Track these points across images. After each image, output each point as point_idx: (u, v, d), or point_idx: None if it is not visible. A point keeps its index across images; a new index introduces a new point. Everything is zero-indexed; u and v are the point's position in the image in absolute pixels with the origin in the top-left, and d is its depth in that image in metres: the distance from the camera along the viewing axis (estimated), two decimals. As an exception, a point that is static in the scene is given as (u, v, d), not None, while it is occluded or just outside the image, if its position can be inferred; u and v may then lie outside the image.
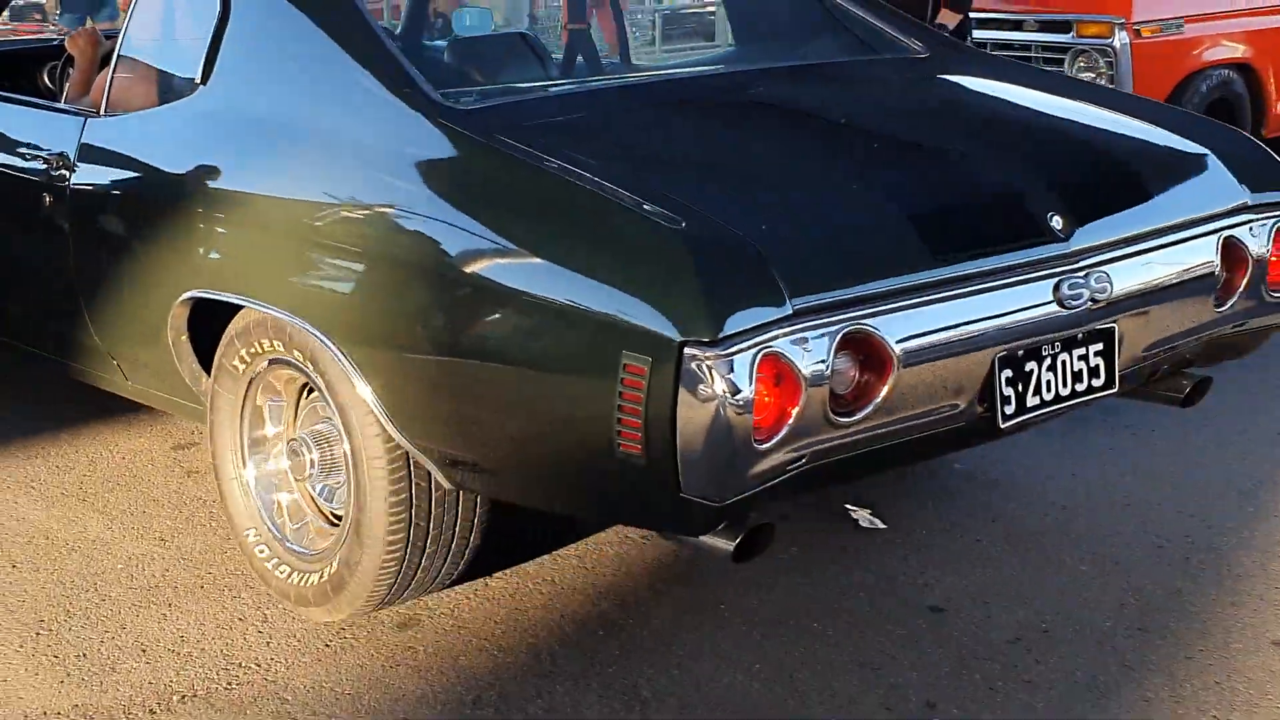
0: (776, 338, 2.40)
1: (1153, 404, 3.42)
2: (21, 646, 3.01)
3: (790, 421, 2.43)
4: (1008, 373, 2.78)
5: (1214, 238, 3.10)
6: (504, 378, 2.62)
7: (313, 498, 3.16)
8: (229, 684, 2.86)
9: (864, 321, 2.53)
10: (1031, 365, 2.82)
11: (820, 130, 3.28)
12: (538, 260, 2.58)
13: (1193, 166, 3.30)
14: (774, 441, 2.43)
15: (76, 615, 3.14)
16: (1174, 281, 3.04)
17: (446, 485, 2.86)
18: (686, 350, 2.34)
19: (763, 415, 2.40)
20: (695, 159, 3.01)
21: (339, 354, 2.81)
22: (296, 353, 2.95)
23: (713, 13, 6.09)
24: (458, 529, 2.99)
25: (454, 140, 2.85)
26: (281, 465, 3.17)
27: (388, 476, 2.85)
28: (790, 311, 2.42)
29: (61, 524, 3.62)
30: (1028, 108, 3.68)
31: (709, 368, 2.34)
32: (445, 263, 2.69)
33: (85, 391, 3.90)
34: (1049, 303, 2.79)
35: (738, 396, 2.35)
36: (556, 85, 3.90)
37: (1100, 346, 2.93)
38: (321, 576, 3.05)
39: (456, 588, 3.19)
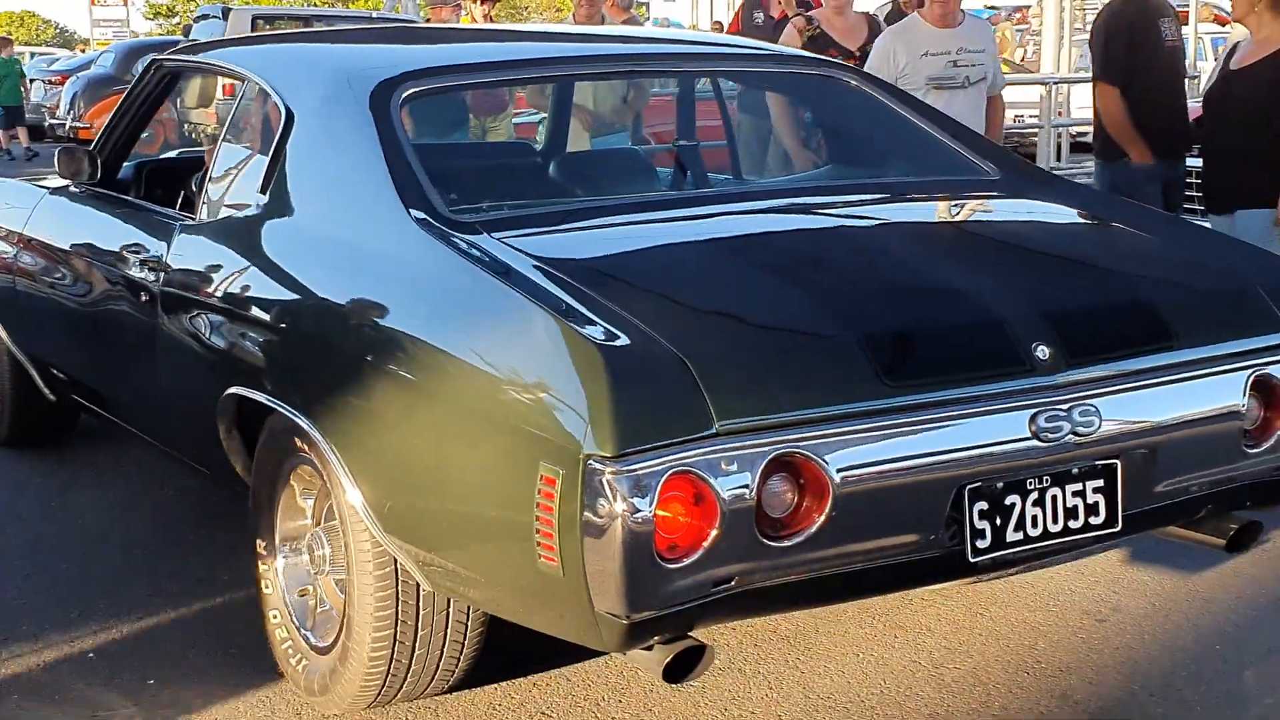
0: (692, 456, 2.41)
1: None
2: None
3: (707, 542, 2.44)
4: (981, 505, 2.70)
5: (1242, 374, 2.97)
6: (456, 484, 2.74)
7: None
8: None
9: (799, 446, 2.51)
10: (1013, 499, 2.73)
11: (820, 255, 3.27)
12: (482, 368, 2.72)
13: (1228, 300, 3.18)
14: (689, 561, 2.44)
15: None
16: (1188, 419, 2.93)
17: (426, 587, 2.91)
18: (590, 463, 2.38)
19: (676, 534, 2.42)
20: (674, 276, 3.06)
21: (334, 455, 2.96)
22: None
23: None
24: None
25: (432, 251, 3.02)
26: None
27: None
28: (714, 431, 2.45)
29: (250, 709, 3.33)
30: (1064, 235, 3.69)
31: (608, 483, 2.37)
32: (406, 367, 2.87)
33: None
34: (1024, 436, 2.72)
35: (637, 514, 2.37)
36: (584, 201, 3.92)
37: (1100, 483, 2.82)
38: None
39: None
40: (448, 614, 3.02)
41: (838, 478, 2.53)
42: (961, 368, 2.75)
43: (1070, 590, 3.90)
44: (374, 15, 21.16)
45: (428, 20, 10.71)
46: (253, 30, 14.09)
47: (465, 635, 3.07)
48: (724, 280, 3.03)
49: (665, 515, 2.40)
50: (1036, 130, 11.68)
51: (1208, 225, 5.51)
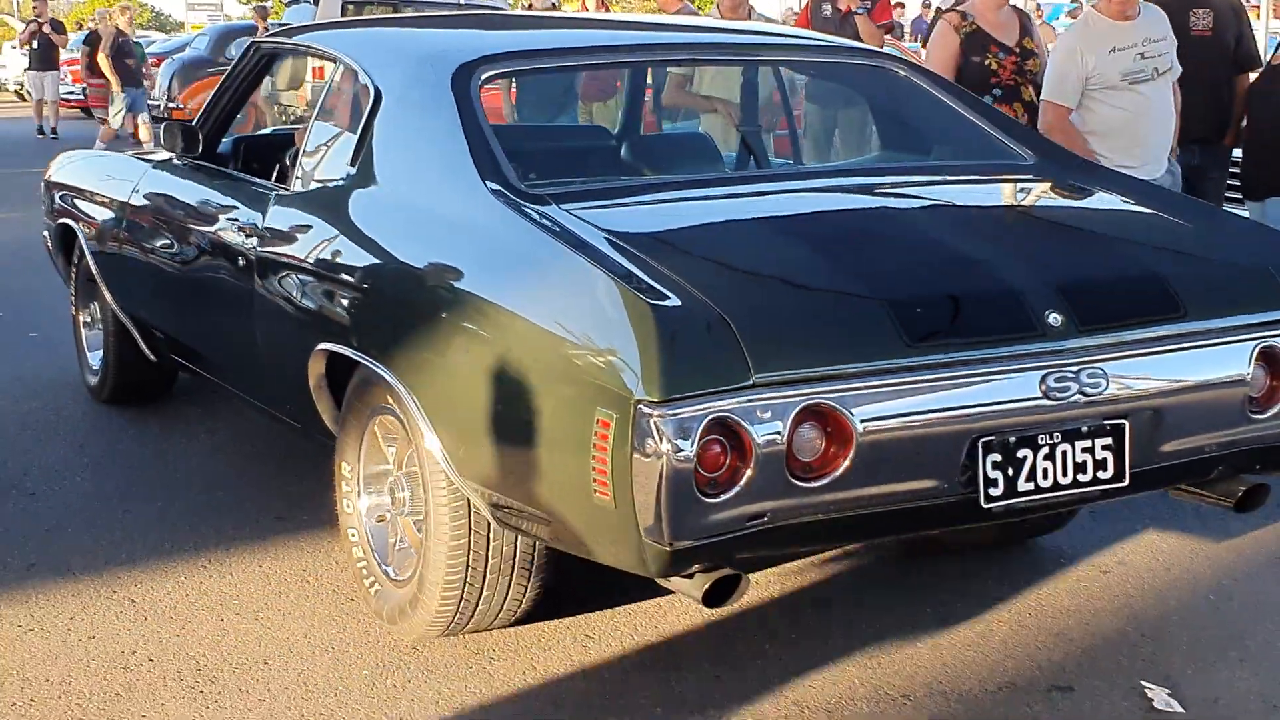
0: (731, 404, 2.71)
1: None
2: None
3: (743, 481, 2.74)
4: (995, 457, 2.97)
5: (1248, 346, 3.21)
6: (523, 430, 3.01)
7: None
8: None
9: (827, 397, 2.80)
10: (1025, 452, 3.00)
11: (855, 229, 3.59)
12: (546, 325, 3.02)
13: (1238, 277, 3.42)
14: (726, 498, 2.74)
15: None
16: (1193, 385, 3.18)
17: (496, 525, 3.25)
18: (640, 407, 2.69)
19: (715, 473, 2.72)
20: (724, 245, 3.38)
21: (415, 405, 3.28)
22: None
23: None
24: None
25: (504, 220, 3.32)
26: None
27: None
28: (751, 382, 2.74)
29: (323, 621, 3.73)
30: (1086, 214, 3.96)
31: (655, 425, 2.67)
32: (479, 325, 3.18)
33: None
34: (1035, 395, 2.99)
35: (680, 454, 2.67)
36: (649, 179, 4.25)
37: (1109, 441, 3.07)
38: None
39: None
40: (515, 551, 3.35)
41: (861, 427, 2.81)
42: (978, 331, 3.02)
43: (1079, 545, 4.21)
44: (462, 0, 21.58)
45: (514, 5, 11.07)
46: (342, 15, 14.55)
47: (531, 571, 3.40)
48: (767, 250, 3.34)
49: (705, 455, 2.69)
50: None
51: (1244, 213, 5.73)
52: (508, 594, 3.42)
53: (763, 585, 3.94)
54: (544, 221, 3.26)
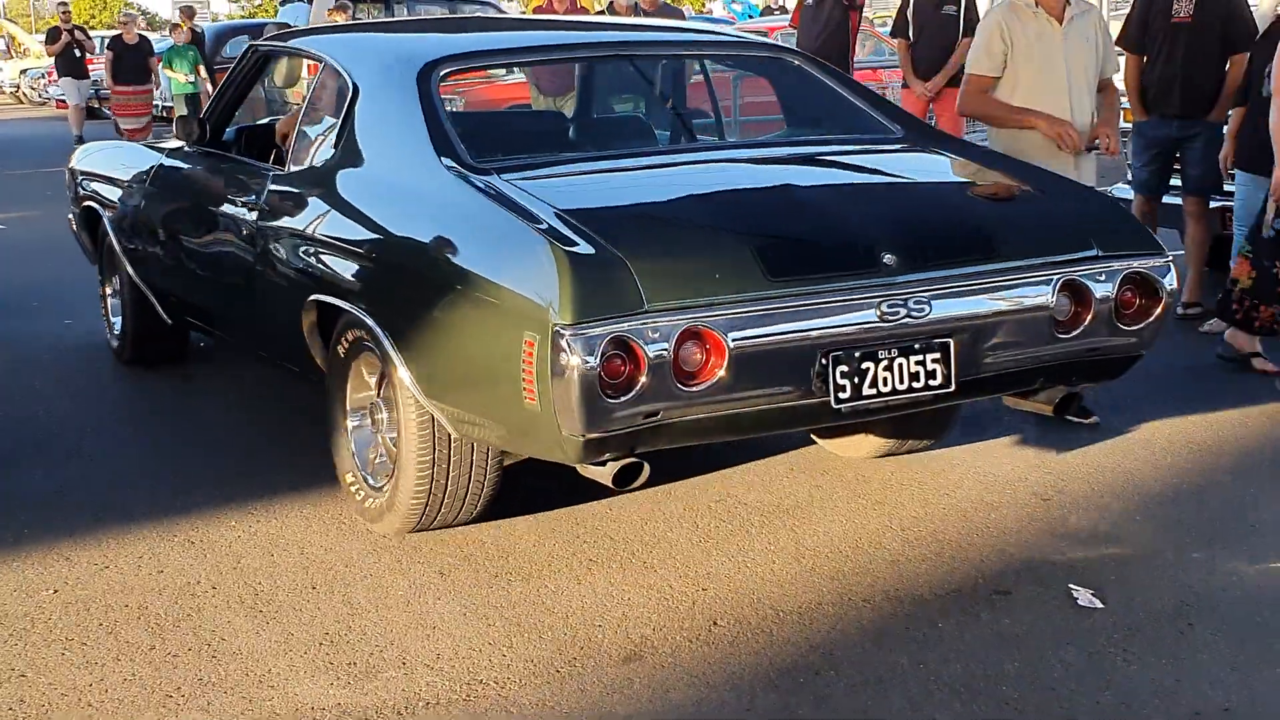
0: (628, 327, 3.44)
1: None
2: (305, 653, 3.57)
3: (638, 386, 3.47)
4: (843, 368, 3.72)
5: (1053, 279, 3.94)
6: (472, 354, 3.78)
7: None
8: (468, 696, 3.35)
9: (704, 321, 3.54)
10: (868, 364, 3.75)
11: (737, 190, 4.36)
12: (487, 271, 3.74)
13: (1049, 224, 4.19)
14: (626, 398, 3.47)
15: (355, 631, 3.70)
16: (1006, 310, 3.91)
17: (454, 434, 3.96)
18: (556, 329, 3.41)
19: (616, 379, 3.45)
20: (630, 204, 4.19)
21: (388, 341, 3.99)
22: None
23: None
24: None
25: (455, 188, 4.05)
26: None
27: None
28: (645, 310, 3.47)
29: (361, 554, 4.20)
30: (928, 175, 4.70)
31: (569, 343, 3.40)
32: (436, 272, 3.90)
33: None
34: (872, 319, 3.72)
35: (587, 364, 3.40)
36: (580, 154, 5.04)
37: (938, 356, 3.82)
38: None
39: (677, 628, 3.67)
40: (470, 457, 4.06)
41: (732, 344, 3.55)
42: (827, 269, 3.76)
43: (1025, 478, 4.70)
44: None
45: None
46: (330, 11, 15.04)
47: (486, 473, 4.12)
48: (664, 206, 4.17)
49: (608, 366, 3.42)
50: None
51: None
52: (466, 493, 4.13)
53: (739, 500, 4.49)
54: (486, 189, 3.98)
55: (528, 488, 4.51)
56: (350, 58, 4.90)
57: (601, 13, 10.31)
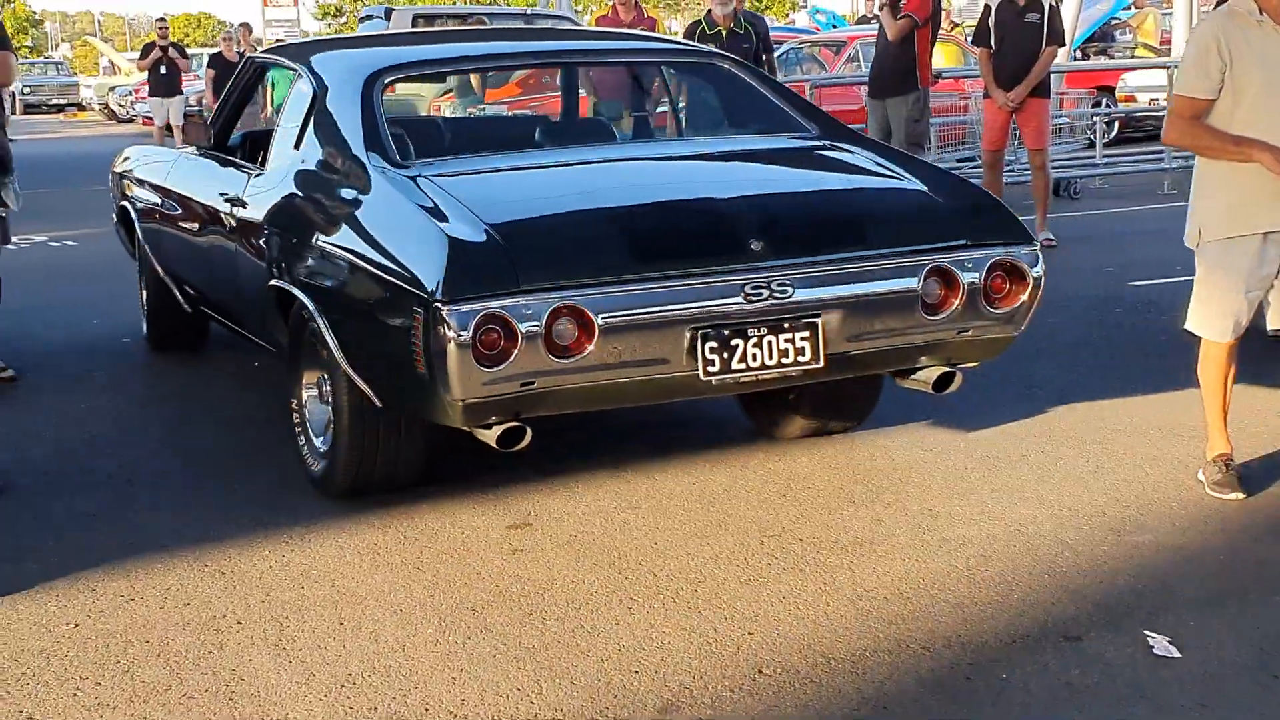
0: (502, 304, 3.83)
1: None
2: (325, 696, 3.38)
3: (512, 357, 3.84)
4: (712, 344, 4.05)
5: (921, 265, 4.24)
6: (378, 328, 4.21)
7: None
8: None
9: (575, 300, 3.89)
10: (737, 341, 4.08)
11: (623, 184, 4.70)
12: (392, 252, 4.16)
13: (922, 216, 4.49)
14: (500, 369, 3.85)
15: (379, 673, 3.51)
16: (873, 293, 4.21)
17: (377, 403, 4.31)
18: (434, 305, 3.83)
19: (492, 350, 3.82)
20: (522, 195, 4.53)
21: (320, 319, 4.42)
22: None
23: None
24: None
25: (375, 181, 4.52)
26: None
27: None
28: (518, 287, 3.86)
29: (393, 588, 4.02)
30: (817, 170, 5.03)
31: (445, 317, 3.81)
32: (355, 256, 4.32)
33: (439, 474, 4.87)
34: (737, 300, 4.05)
35: (462, 337, 3.80)
36: (500, 153, 5.26)
37: (806, 334, 4.13)
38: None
39: (719, 676, 3.44)
40: (399, 424, 4.46)
41: (602, 321, 3.90)
42: (695, 255, 4.10)
43: (1103, 513, 4.41)
44: (528, 12, 22.01)
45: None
46: (413, 26, 15.02)
47: (414, 438, 4.53)
48: (551, 197, 4.53)
49: (485, 339, 3.80)
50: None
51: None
52: (399, 455, 4.54)
53: (794, 535, 4.24)
54: (401, 184, 4.43)
55: (568, 517, 4.32)
56: (320, 66, 5.33)
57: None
